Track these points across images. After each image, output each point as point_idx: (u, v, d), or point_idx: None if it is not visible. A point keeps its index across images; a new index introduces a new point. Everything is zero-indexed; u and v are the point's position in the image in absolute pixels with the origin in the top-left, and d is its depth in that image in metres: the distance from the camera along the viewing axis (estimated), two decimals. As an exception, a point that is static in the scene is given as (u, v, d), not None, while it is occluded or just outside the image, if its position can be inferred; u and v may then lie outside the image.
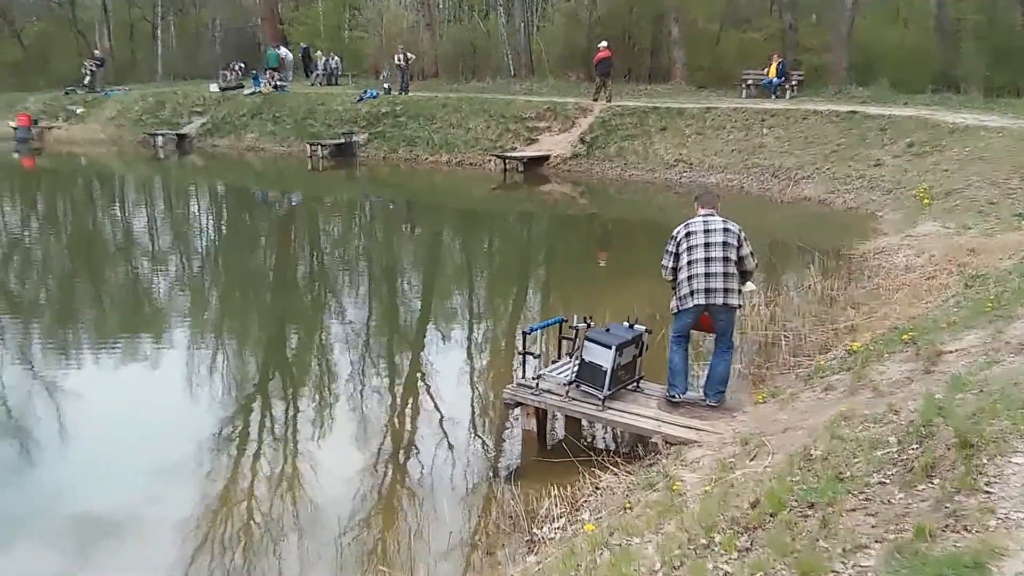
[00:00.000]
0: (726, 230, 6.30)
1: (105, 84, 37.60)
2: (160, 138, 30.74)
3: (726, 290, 6.25)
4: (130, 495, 6.08)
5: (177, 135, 30.72)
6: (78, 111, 35.24)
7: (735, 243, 6.28)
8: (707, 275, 6.24)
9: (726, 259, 6.25)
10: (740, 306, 6.50)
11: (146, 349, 9.54)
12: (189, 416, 7.60)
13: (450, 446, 6.89)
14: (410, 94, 28.47)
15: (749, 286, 6.78)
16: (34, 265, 14.74)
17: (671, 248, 6.42)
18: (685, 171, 20.45)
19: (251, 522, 5.79)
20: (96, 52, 40.23)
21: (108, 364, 9.08)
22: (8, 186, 25.47)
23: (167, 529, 5.63)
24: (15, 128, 33.56)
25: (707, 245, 6.26)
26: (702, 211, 6.47)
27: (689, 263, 6.29)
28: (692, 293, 6.28)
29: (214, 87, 33.42)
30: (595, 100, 24.54)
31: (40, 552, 5.48)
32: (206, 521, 5.76)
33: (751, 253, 6.36)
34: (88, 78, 37.33)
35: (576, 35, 28.52)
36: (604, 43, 25.30)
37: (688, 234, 6.35)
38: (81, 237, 17.44)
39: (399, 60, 28.70)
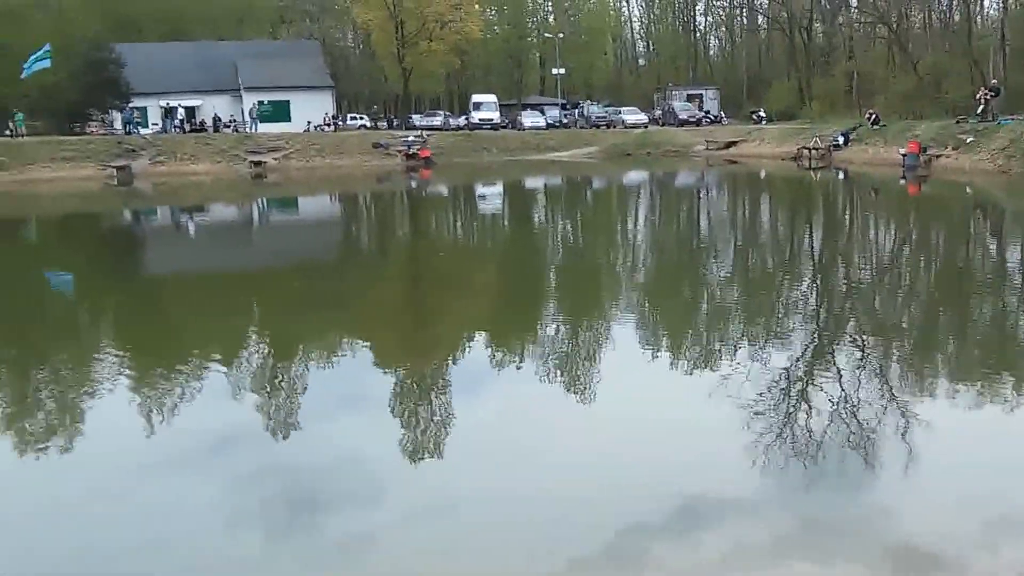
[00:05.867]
0: None
1: (998, 113, 36.65)
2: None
3: None
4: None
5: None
6: (967, 140, 35.15)
7: None
8: None
9: None
10: None
11: (999, 394, 8.91)
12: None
13: None
14: None
15: None
16: (900, 289, 15.19)
17: None
18: None
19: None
20: (992, 81, 39.52)
21: (962, 400, 8.76)
22: (885, 211, 26.64)
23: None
24: (904, 155, 35.12)
25: None
26: None
27: None
28: None
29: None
30: None
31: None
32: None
33: None
34: (981, 107, 36.93)
35: None
36: None
37: None
38: (949, 267, 17.32)
39: None
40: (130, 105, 56.74)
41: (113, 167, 45.91)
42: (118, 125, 56.23)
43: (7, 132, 51.52)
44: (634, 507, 6.41)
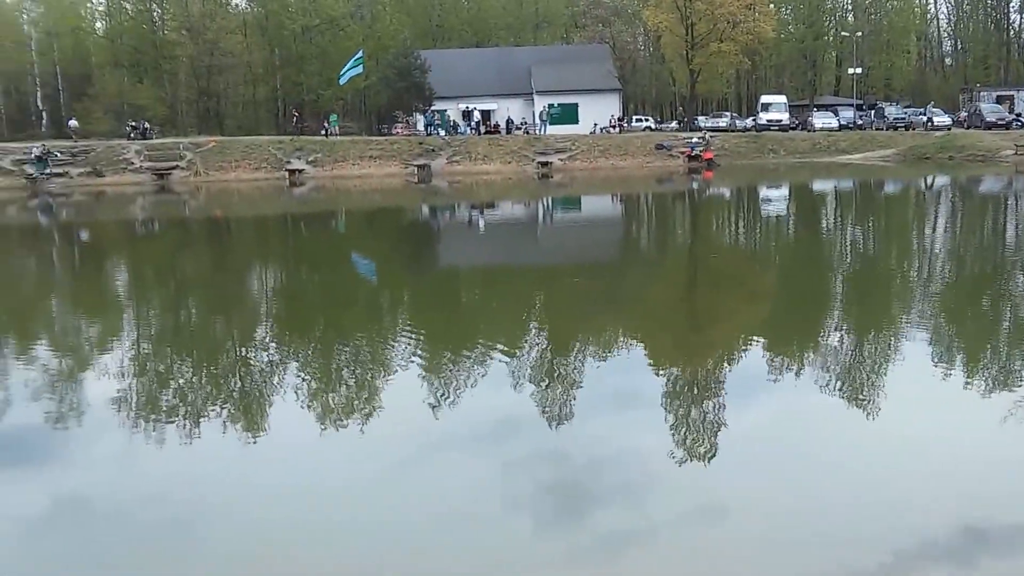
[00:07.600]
0: None
1: None
2: None
3: None
4: None
5: None
6: None
7: None
8: None
9: None
10: None
11: None
12: None
13: None
14: None
15: None
16: None
17: None
18: None
19: None
20: None
21: None
22: None
23: None
24: None
25: None
26: None
27: None
28: None
29: None
30: None
31: None
32: None
33: None
34: None
35: None
36: None
37: None
38: None
39: None
40: (432, 108, 60.68)
41: (414, 165, 49.60)
42: (420, 127, 60.38)
43: (323, 132, 57.02)
44: (914, 528, 6.15)
